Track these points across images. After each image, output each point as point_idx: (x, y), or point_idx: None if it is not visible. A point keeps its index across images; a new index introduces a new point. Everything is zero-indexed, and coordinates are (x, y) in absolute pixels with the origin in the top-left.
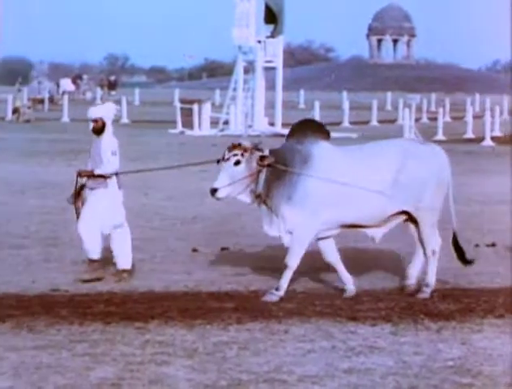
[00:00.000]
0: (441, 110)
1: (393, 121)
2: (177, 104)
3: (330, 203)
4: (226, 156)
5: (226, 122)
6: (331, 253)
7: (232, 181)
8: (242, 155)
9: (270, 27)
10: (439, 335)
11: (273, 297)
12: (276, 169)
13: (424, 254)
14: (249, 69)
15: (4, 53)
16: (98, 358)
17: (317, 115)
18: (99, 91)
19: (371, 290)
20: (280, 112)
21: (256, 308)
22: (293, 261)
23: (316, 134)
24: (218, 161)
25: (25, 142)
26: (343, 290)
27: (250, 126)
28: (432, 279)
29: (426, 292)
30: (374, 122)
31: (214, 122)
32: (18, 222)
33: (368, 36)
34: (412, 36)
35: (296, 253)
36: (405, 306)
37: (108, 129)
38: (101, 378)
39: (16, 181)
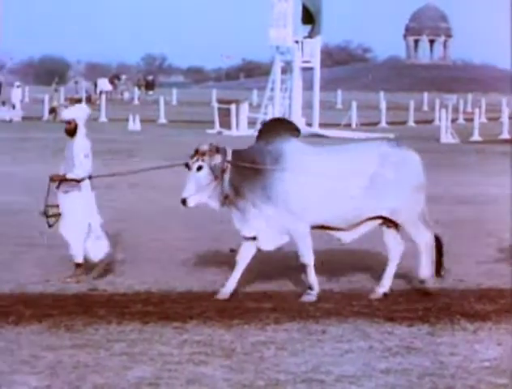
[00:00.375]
0: (477, 111)
1: (429, 121)
2: (215, 105)
3: (302, 202)
4: (189, 164)
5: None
6: None
7: (199, 188)
8: (202, 160)
9: (308, 27)
10: (475, 336)
11: (310, 297)
12: (241, 169)
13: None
14: (287, 69)
15: (41, 53)
16: (136, 358)
17: (354, 115)
18: (136, 92)
19: (408, 290)
20: (318, 112)
21: (294, 308)
22: (307, 257)
23: (286, 132)
24: (186, 164)
25: (62, 141)
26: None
27: None
28: (425, 271)
29: (428, 284)
30: (411, 123)
31: (251, 122)
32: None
33: (405, 36)
34: (449, 36)
35: (306, 249)
36: (442, 307)
37: (81, 131)
38: (139, 378)
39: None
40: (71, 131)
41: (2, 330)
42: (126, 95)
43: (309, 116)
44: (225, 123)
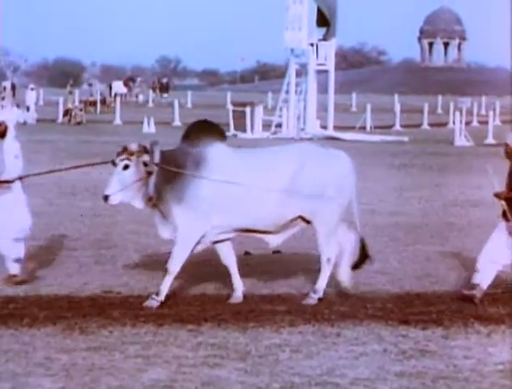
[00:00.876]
0: (491, 113)
1: (444, 124)
2: (230, 107)
3: (221, 206)
4: (116, 162)
5: (278, 125)
6: (228, 256)
7: (123, 187)
8: (129, 159)
9: (323, 30)
10: (489, 339)
11: (153, 302)
12: (167, 172)
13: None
14: (302, 72)
15: (56, 55)
16: (150, 360)
17: (368, 118)
18: (151, 94)
19: (422, 293)
20: (332, 115)
21: (308, 311)
22: (174, 266)
23: (210, 135)
24: (113, 162)
25: (77, 144)
26: (394, 294)
27: (303, 129)
28: (321, 285)
29: (313, 299)
30: (425, 126)
31: (266, 125)
32: (69, 224)
33: (419, 39)
34: (463, 39)
35: (179, 256)
36: (456, 310)
37: (11, 133)
38: (153, 380)
39: (68, 184)
40: (1, 133)
41: (17, 332)
42: (141, 97)
43: (324, 118)
44: (240, 126)
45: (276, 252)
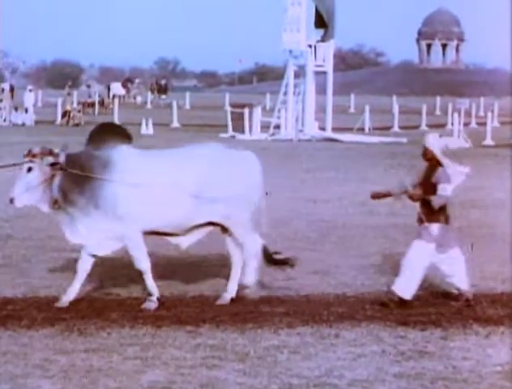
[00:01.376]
0: (489, 115)
1: (442, 125)
2: (228, 109)
3: (129, 208)
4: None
5: (277, 127)
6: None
7: (29, 189)
8: (33, 161)
9: (321, 31)
10: (488, 340)
11: (151, 304)
12: (75, 175)
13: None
14: (300, 73)
15: (54, 56)
16: (149, 362)
17: (367, 119)
18: (149, 95)
19: (421, 295)
20: (331, 116)
21: (307, 312)
22: (143, 264)
23: (115, 137)
24: (17, 164)
25: (75, 145)
26: (395, 295)
27: (301, 131)
28: (251, 279)
29: (251, 290)
30: (424, 127)
31: (264, 127)
32: None
33: (417, 40)
34: (461, 40)
35: (140, 255)
36: (454, 311)
37: None
38: (152, 382)
39: None
40: None
41: (15, 333)
42: (139, 99)
43: (322, 120)
44: (238, 127)
45: (276, 253)
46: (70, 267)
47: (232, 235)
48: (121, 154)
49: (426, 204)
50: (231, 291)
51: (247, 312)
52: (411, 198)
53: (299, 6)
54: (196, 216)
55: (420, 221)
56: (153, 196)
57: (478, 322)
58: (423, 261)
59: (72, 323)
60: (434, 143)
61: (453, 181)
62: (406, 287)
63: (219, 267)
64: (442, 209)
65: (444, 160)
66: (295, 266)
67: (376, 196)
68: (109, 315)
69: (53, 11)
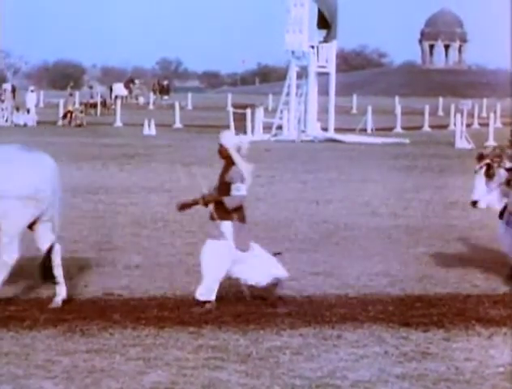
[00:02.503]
0: (492, 116)
1: (445, 126)
2: (230, 109)
3: None
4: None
5: (279, 127)
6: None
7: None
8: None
9: (324, 32)
10: (490, 341)
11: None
12: None
13: None
14: (302, 74)
15: (56, 57)
16: (151, 362)
17: (369, 120)
18: (151, 96)
19: (423, 296)
20: (333, 117)
21: (309, 313)
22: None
23: None
24: None
25: (77, 146)
26: (395, 296)
27: (303, 131)
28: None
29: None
30: (426, 128)
31: (267, 127)
32: (70, 226)
33: (420, 41)
34: (464, 41)
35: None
36: (457, 312)
37: None
38: (154, 383)
39: (68, 186)
40: None
41: (17, 334)
42: (141, 99)
43: (325, 121)
44: (240, 128)
45: (277, 254)
46: (80, 268)
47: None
48: None
49: (221, 202)
50: (60, 292)
51: (249, 313)
52: (206, 203)
53: (301, 6)
54: None
55: (212, 218)
56: None
57: (480, 323)
58: (220, 260)
59: (74, 324)
60: (229, 140)
61: (247, 180)
62: (207, 291)
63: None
64: (237, 208)
65: (237, 159)
66: (57, 284)
67: (183, 207)
68: (112, 316)
69: (56, 12)
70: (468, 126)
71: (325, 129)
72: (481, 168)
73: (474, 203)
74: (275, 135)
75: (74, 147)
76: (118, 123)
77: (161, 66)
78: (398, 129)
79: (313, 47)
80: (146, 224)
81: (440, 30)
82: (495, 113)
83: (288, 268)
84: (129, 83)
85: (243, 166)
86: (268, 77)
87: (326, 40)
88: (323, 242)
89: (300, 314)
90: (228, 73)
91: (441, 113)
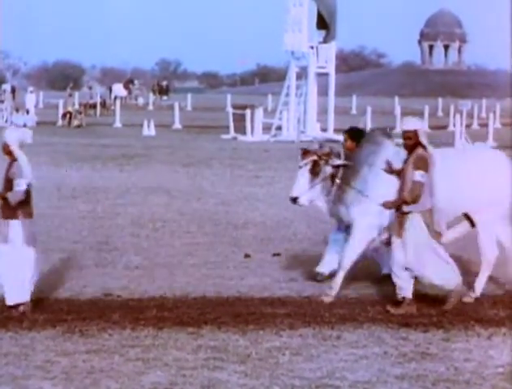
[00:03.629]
0: (491, 116)
1: (444, 127)
2: (230, 110)
3: None
4: None
5: (278, 128)
6: None
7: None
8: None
9: (323, 32)
10: (490, 342)
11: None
12: None
13: None
14: (302, 74)
15: (55, 57)
16: (150, 363)
17: (368, 120)
18: (151, 97)
19: (422, 296)
20: (333, 117)
21: (308, 314)
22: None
23: None
24: None
25: (77, 147)
26: (394, 297)
27: (303, 132)
28: None
29: None
30: (426, 128)
31: (266, 128)
32: (69, 227)
33: (419, 41)
34: (464, 41)
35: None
36: (456, 313)
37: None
38: (154, 383)
39: (68, 186)
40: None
41: (17, 335)
42: (141, 100)
43: (324, 121)
44: (240, 128)
45: (276, 254)
46: (80, 268)
47: None
48: None
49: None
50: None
51: (249, 313)
52: None
53: (301, 7)
54: None
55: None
56: None
57: (480, 323)
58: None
59: (73, 325)
60: (10, 136)
61: (27, 176)
62: (16, 294)
63: (224, 269)
64: (22, 204)
65: (18, 154)
66: None
67: None
68: (111, 316)
69: (55, 12)
70: (468, 126)
71: (324, 129)
72: (306, 164)
73: (294, 200)
74: (275, 136)
75: (73, 148)
76: (118, 124)
77: (160, 67)
78: (398, 129)
79: (312, 47)
80: (145, 224)
81: (439, 30)
82: (494, 113)
83: (287, 269)
84: (128, 84)
85: (24, 160)
86: (267, 77)
87: (325, 40)
88: (322, 242)
89: (299, 314)
90: (228, 73)
91: (440, 113)
